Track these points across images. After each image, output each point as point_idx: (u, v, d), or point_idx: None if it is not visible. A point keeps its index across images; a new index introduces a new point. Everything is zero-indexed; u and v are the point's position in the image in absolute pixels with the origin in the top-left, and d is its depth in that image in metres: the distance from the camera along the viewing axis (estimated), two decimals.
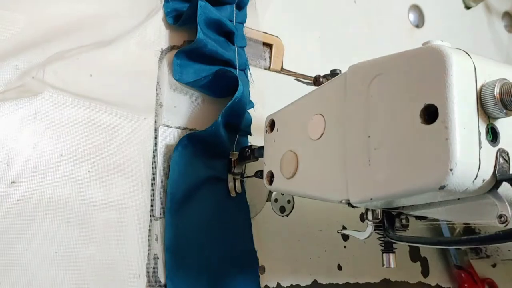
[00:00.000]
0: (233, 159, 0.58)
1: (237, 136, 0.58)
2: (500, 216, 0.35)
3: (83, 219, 0.49)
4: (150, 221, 0.53)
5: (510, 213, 0.35)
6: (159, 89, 0.56)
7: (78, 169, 0.50)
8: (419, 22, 0.86)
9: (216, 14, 0.57)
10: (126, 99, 0.54)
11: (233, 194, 0.59)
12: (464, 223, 0.74)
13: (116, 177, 0.52)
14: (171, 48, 0.59)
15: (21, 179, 0.47)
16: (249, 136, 0.61)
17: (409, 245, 0.74)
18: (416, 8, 0.86)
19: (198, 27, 0.55)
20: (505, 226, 0.35)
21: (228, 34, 0.60)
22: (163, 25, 0.59)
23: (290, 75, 0.67)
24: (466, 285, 0.77)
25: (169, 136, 0.56)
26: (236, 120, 0.57)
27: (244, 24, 0.62)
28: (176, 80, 0.57)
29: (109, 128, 0.52)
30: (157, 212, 0.54)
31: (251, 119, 0.59)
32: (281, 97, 0.55)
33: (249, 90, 0.58)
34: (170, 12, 0.59)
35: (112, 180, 0.52)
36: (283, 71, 0.65)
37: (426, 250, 0.76)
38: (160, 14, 0.58)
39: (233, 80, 0.55)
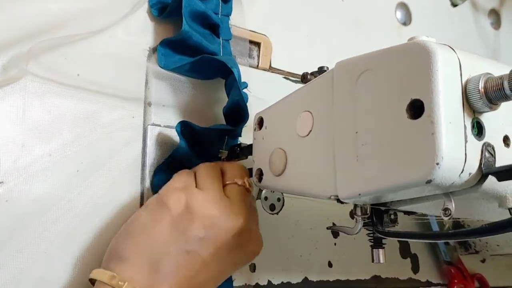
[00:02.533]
0: (222, 158, 0.58)
1: (226, 137, 0.58)
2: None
3: (72, 220, 0.49)
4: None
5: None
6: (148, 88, 0.56)
7: (67, 169, 0.50)
8: (406, 20, 0.86)
9: (201, 6, 0.57)
10: (114, 99, 0.54)
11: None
12: (452, 219, 0.75)
13: (105, 176, 0.52)
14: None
15: (9, 179, 0.47)
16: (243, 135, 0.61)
17: (399, 241, 0.74)
18: (403, 6, 0.87)
19: (184, 19, 0.55)
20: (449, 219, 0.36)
21: (213, 27, 0.59)
22: (148, 17, 0.58)
23: (278, 73, 0.67)
24: (455, 280, 0.77)
25: (158, 135, 0.56)
26: (234, 124, 0.57)
27: (231, 22, 0.62)
28: (161, 67, 0.57)
29: (97, 127, 0.52)
30: None
31: (245, 122, 0.59)
32: (270, 95, 0.55)
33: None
34: (155, 4, 0.58)
35: (101, 179, 0.52)
36: (271, 69, 0.65)
37: (416, 247, 0.76)
38: (145, 6, 0.58)
39: (220, 63, 0.55)
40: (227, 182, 0.51)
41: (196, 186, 0.49)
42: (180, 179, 0.50)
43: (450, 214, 0.37)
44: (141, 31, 0.57)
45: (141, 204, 0.54)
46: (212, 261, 0.46)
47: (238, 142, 0.59)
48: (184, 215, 0.46)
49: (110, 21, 0.54)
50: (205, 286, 0.47)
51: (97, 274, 0.45)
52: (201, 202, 0.47)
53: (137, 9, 0.57)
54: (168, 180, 0.51)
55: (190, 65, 0.56)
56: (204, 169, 0.51)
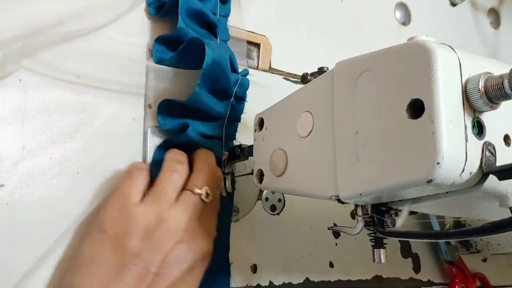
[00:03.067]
0: (223, 159, 0.58)
1: (232, 101, 0.57)
2: None
3: (73, 222, 0.49)
4: None
5: None
6: (148, 90, 0.56)
7: (68, 172, 0.50)
8: (406, 20, 0.86)
9: (198, 5, 0.57)
10: (114, 101, 0.54)
11: (223, 194, 0.59)
12: (454, 218, 0.75)
13: (105, 178, 0.52)
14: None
15: (10, 182, 0.47)
16: (239, 137, 0.60)
17: (399, 241, 0.74)
18: (403, 6, 0.87)
19: (179, 16, 0.55)
20: None
21: (211, 27, 0.59)
22: (145, 16, 0.58)
23: (278, 74, 0.67)
24: (457, 280, 0.77)
25: (158, 137, 0.56)
26: (220, 84, 0.55)
27: (229, 23, 0.62)
28: (156, 62, 0.57)
29: (97, 129, 0.52)
30: None
31: (247, 85, 0.58)
32: (270, 96, 0.55)
33: (230, 56, 0.56)
34: (152, 3, 0.58)
35: (102, 181, 0.52)
36: (271, 70, 0.65)
37: (417, 246, 0.76)
38: (143, 5, 0.58)
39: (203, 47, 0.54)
40: (185, 188, 0.51)
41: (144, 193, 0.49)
42: (122, 193, 0.49)
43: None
44: (139, 29, 0.57)
45: None
46: (162, 272, 0.46)
47: (238, 143, 0.59)
48: (123, 235, 0.46)
49: (107, 19, 0.54)
50: None
51: None
52: (139, 217, 0.47)
53: (134, 8, 0.57)
54: None
55: (179, 54, 0.55)
56: (165, 176, 0.51)
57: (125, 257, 0.45)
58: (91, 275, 0.45)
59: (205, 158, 0.54)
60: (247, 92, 0.58)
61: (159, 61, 0.57)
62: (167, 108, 0.56)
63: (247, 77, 0.58)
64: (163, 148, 0.55)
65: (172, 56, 0.56)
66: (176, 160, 0.53)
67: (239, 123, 0.59)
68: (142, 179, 0.50)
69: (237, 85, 0.57)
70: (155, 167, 0.53)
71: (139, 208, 0.47)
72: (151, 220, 0.47)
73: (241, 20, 0.64)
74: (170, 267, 0.46)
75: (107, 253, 0.45)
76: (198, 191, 0.51)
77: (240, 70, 0.58)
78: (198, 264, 0.49)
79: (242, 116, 0.59)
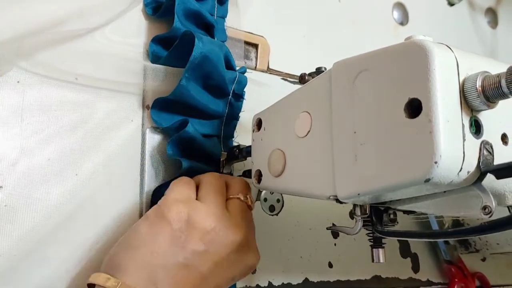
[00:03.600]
0: (222, 160, 0.58)
1: (230, 98, 0.57)
2: (484, 208, 0.35)
3: (71, 224, 0.49)
4: None
5: (494, 204, 0.35)
6: (145, 91, 0.56)
7: (66, 173, 0.50)
8: (403, 20, 0.86)
9: (195, 5, 0.57)
10: (112, 102, 0.54)
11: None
12: (452, 218, 0.75)
13: (104, 180, 0.52)
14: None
15: (8, 183, 0.47)
16: (237, 137, 0.60)
17: (399, 241, 0.74)
18: (400, 6, 0.87)
19: (176, 16, 0.55)
20: (489, 217, 0.35)
21: (208, 27, 0.59)
22: (143, 16, 0.58)
23: (276, 74, 0.67)
24: (456, 279, 0.77)
25: (157, 138, 0.56)
26: (214, 81, 0.55)
27: (227, 24, 0.62)
28: (152, 62, 0.57)
29: (95, 131, 0.52)
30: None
31: (245, 82, 0.58)
32: (268, 96, 0.55)
33: (225, 53, 0.56)
34: (149, 3, 0.58)
35: (100, 183, 0.52)
36: (269, 70, 0.65)
37: (416, 246, 0.76)
38: (140, 6, 0.58)
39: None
40: (230, 196, 0.51)
41: (197, 198, 0.49)
42: (181, 189, 0.49)
43: (490, 212, 0.35)
44: (136, 30, 0.57)
45: (141, 208, 0.54)
46: (210, 275, 0.46)
47: (237, 144, 0.59)
48: (184, 229, 0.46)
49: (104, 20, 0.54)
50: None
51: (93, 277, 0.45)
52: (201, 216, 0.46)
53: (131, 8, 0.56)
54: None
55: (173, 51, 0.55)
56: (208, 180, 0.51)
57: (181, 252, 0.45)
58: (138, 257, 0.44)
59: (219, 175, 0.54)
60: (246, 90, 0.58)
61: (155, 61, 0.57)
62: (161, 106, 0.56)
63: (245, 75, 0.58)
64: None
65: (167, 54, 0.56)
66: (208, 173, 0.53)
67: (238, 123, 0.60)
68: (193, 184, 0.50)
69: (235, 82, 0.57)
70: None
71: (203, 207, 0.47)
72: (213, 224, 0.46)
73: (239, 21, 0.64)
74: (219, 274, 0.47)
75: (164, 243, 0.45)
76: (243, 198, 0.51)
77: (238, 68, 0.58)
78: (243, 274, 0.50)
79: (241, 116, 0.60)
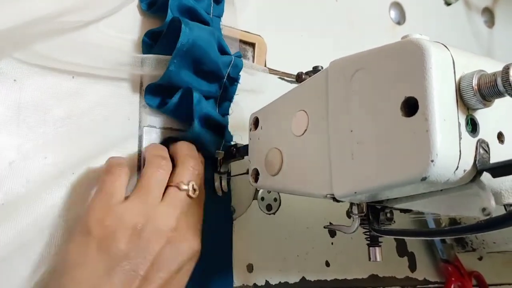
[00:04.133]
0: (219, 158, 0.58)
1: (224, 81, 0.57)
2: (483, 209, 0.36)
3: (68, 223, 0.49)
4: None
5: (492, 203, 0.35)
6: (143, 89, 0.56)
7: (63, 172, 0.50)
8: (400, 19, 0.87)
9: (191, 2, 0.57)
10: (109, 100, 0.54)
11: (220, 194, 0.59)
12: (449, 217, 0.75)
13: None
14: None
15: (5, 182, 0.47)
16: (238, 135, 0.60)
17: (395, 240, 0.75)
18: (397, 6, 0.87)
19: (169, 11, 0.55)
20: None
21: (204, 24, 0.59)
22: (138, 11, 0.58)
23: (273, 73, 0.67)
24: (453, 278, 0.78)
25: (154, 137, 0.56)
26: (206, 66, 0.55)
27: (223, 23, 0.62)
28: (144, 53, 0.56)
29: (93, 129, 0.52)
30: None
31: (241, 66, 0.58)
32: (265, 95, 0.55)
33: (218, 38, 0.56)
34: None
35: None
36: (264, 69, 0.65)
37: (413, 245, 0.77)
38: (135, 1, 0.58)
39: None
40: (170, 184, 0.49)
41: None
42: (106, 192, 0.47)
43: (489, 213, 0.36)
44: (131, 26, 0.57)
45: None
46: (151, 274, 0.44)
47: (234, 143, 0.59)
48: (110, 236, 0.44)
49: (99, 14, 0.54)
50: None
51: None
52: (125, 218, 0.45)
53: (126, 4, 0.56)
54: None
55: (164, 39, 0.54)
56: (149, 172, 0.49)
57: (112, 260, 0.43)
58: (77, 280, 0.43)
59: (187, 150, 0.53)
60: (243, 90, 0.58)
61: (148, 53, 0.56)
62: (153, 91, 0.56)
63: (243, 73, 0.58)
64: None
65: (158, 42, 0.55)
66: (159, 155, 0.51)
67: (234, 122, 0.59)
68: (124, 176, 0.48)
69: (230, 66, 0.57)
70: None
71: (125, 207, 0.46)
72: (138, 220, 0.45)
73: (235, 20, 0.64)
74: (159, 269, 0.45)
75: (93, 256, 0.43)
76: (184, 187, 0.49)
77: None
78: (187, 263, 0.48)
79: (237, 116, 0.60)
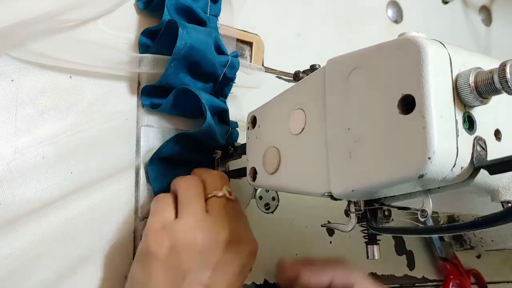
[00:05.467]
0: (216, 158, 0.58)
1: (219, 81, 0.57)
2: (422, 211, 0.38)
3: (67, 222, 0.49)
4: (135, 220, 0.53)
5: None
6: (140, 89, 0.56)
7: (61, 172, 0.50)
8: (398, 18, 0.87)
9: (187, 1, 0.57)
10: (106, 100, 0.54)
11: None
12: (447, 214, 0.75)
13: (99, 178, 0.52)
14: None
15: (3, 182, 0.46)
16: (239, 130, 0.60)
17: (394, 239, 0.75)
18: (395, 4, 0.87)
19: (166, 9, 0.55)
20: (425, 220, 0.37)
21: (200, 24, 0.59)
22: (134, 10, 0.58)
23: (271, 72, 0.67)
24: (451, 276, 0.78)
25: (152, 136, 0.56)
26: (203, 68, 0.55)
27: (220, 22, 0.62)
28: (141, 53, 0.56)
29: (90, 130, 0.52)
30: (142, 213, 0.54)
31: (237, 66, 0.58)
32: (263, 94, 0.55)
33: (215, 38, 0.56)
34: None
35: (95, 181, 0.51)
36: (262, 68, 0.65)
37: (411, 243, 0.77)
38: (133, 0, 0.58)
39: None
40: (208, 196, 0.50)
41: (177, 211, 0.49)
42: (158, 213, 0.49)
43: (426, 216, 0.38)
44: (127, 25, 0.57)
45: (136, 206, 0.54)
46: (215, 282, 0.46)
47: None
48: (172, 255, 0.46)
49: (96, 12, 0.54)
50: None
51: None
52: (182, 235, 0.46)
53: (123, 3, 0.56)
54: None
55: (160, 40, 0.55)
56: (184, 188, 0.50)
57: (178, 276, 0.45)
58: None
59: (198, 170, 0.54)
60: (240, 88, 0.58)
61: (144, 52, 0.56)
62: (150, 93, 0.56)
63: (240, 73, 0.58)
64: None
65: (154, 43, 0.55)
66: (182, 177, 0.52)
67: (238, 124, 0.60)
68: (171, 199, 0.50)
69: (227, 66, 0.57)
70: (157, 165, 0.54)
71: (180, 225, 0.47)
72: (193, 234, 0.46)
73: (232, 19, 0.64)
74: (222, 275, 0.47)
75: (160, 277, 0.45)
76: (220, 193, 0.51)
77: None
78: (248, 262, 0.50)
79: (236, 114, 0.60)
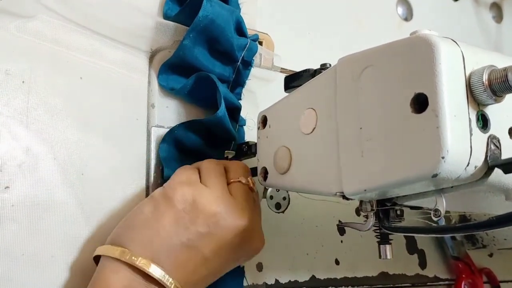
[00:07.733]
0: (229, 158, 0.58)
1: (238, 65, 0.57)
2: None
3: (79, 224, 0.49)
4: None
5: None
6: (150, 89, 0.56)
7: (72, 173, 0.50)
8: (408, 15, 0.86)
9: None
10: (117, 101, 0.54)
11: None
12: (459, 213, 0.74)
13: (110, 179, 0.52)
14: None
15: (15, 184, 0.47)
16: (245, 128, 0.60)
17: (405, 238, 0.74)
18: (405, 2, 0.87)
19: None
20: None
21: (224, 1, 0.57)
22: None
23: (281, 72, 0.67)
24: (463, 275, 0.77)
25: (162, 136, 0.56)
26: (221, 46, 0.55)
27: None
28: (164, 18, 0.56)
29: (101, 130, 0.52)
30: None
31: (255, 49, 0.58)
32: (273, 93, 0.55)
33: (237, 18, 0.56)
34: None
35: (106, 183, 0.52)
36: (273, 68, 0.65)
37: (423, 242, 0.76)
38: None
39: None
40: (231, 180, 0.51)
41: (201, 182, 0.49)
42: (185, 174, 0.49)
43: (439, 216, 0.38)
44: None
45: None
46: (213, 257, 0.47)
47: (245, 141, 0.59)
48: (189, 210, 0.46)
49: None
50: (204, 280, 0.47)
51: (105, 250, 0.46)
52: (207, 199, 0.47)
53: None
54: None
55: (184, 9, 0.54)
56: (208, 166, 0.51)
57: (184, 233, 0.45)
58: (142, 237, 0.45)
59: (216, 161, 0.54)
60: (251, 87, 0.58)
61: (167, 18, 0.56)
62: (167, 70, 0.56)
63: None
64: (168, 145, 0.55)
65: (178, 11, 0.55)
66: (205, 160, 0.52)
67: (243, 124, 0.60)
68: (196, 170, 0.50)
69: (246, 49, 0.56)
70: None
71: (207, 191, 0.47)
72: (218, 208, 0.46)
73: (254, 21, 0.63)
74: (221, 257, 0.47)
75: (168, 224, 0.45)
76: (245, 181, 0.51)
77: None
78: (245, 258, 0.51)
79: (246, 115, 0.59)
